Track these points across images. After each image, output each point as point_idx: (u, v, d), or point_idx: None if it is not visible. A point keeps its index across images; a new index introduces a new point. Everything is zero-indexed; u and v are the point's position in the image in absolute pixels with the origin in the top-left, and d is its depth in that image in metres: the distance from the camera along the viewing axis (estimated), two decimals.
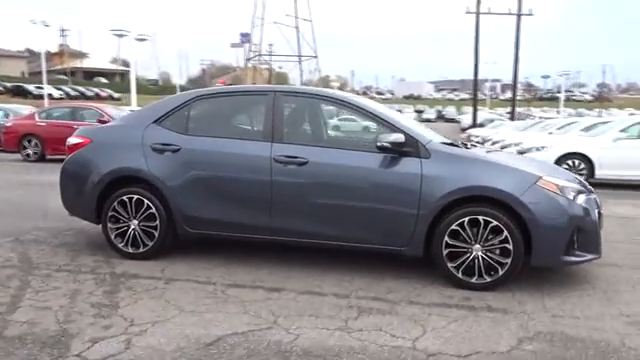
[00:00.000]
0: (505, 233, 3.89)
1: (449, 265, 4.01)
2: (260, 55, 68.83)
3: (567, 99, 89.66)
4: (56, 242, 5.23)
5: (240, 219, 4.38)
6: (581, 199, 4.05)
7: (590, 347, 3.08)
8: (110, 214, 4.62)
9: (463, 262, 3.99)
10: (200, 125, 4.68)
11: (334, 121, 4.62)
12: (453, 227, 3.97)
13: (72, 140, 4.90)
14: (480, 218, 3.93)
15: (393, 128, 4.19)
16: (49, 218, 6.21)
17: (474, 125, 35.43)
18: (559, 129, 14.74)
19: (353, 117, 4.99)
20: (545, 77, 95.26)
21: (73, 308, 3.54)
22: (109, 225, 4.64)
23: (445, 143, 4.37)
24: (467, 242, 3.97)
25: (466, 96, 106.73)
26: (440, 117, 64.32)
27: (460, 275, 4.00)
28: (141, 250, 4.58)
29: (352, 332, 3.23)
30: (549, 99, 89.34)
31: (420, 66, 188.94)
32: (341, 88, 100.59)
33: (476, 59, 36.50)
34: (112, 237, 4.64)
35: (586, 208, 4.03)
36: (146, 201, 4.51)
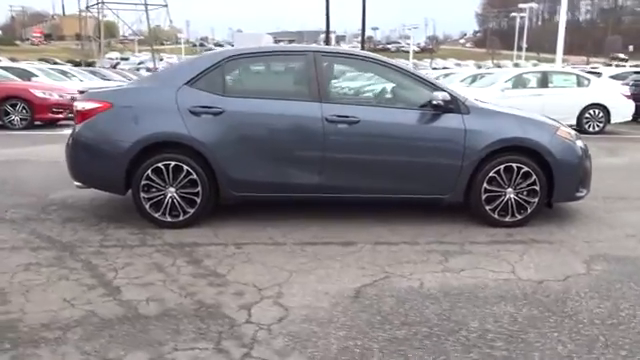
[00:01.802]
0: (534, 177, 4.53)
1: (487, 208, 4.56)
2: (103, 2, 62.41)
3: (397, 50, 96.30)
4: (58, 218, 4.76)
5: (290, 179, 4.45)
6: (580, 144, 4.83)
7: (635, 263, 3.86)
8: (143, 183, 4.36)
9: (498, 204, 4.56)
10: (239, 86, 4.56)
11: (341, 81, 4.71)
12: (491, 174, 4.51)
13: (85, 105, 4.45)
14: (514, 165, 4.51)
15: (434, 87, 4.54)
16: (17, 193, 5.53)
17: None
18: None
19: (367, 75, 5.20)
20: (375, 29, 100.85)
21: (177, 281, 3.42)
22: (142, 195, 4.38)
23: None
24: (502, 187, 4.54)
25: None
26: None
27: (496, 216, 4.58)
28: (181, 218, 4.43)
29: (460, 272, 3.62)
30: (382, 50, 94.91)
31: (257, 18, 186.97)
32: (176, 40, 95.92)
33: (327, 10, 37.48)
34: (147, 207, 4.40)
35: (586, 151, 4.82)
36: (185, 167, 4.33)
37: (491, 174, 4.51)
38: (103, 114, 4.38)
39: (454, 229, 4.55)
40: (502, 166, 4.50)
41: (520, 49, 63.51)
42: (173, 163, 4.34)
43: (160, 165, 4.34)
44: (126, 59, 62.21)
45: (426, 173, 4.51)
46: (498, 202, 4.56)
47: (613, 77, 16.01)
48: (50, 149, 8.65)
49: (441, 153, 4.48)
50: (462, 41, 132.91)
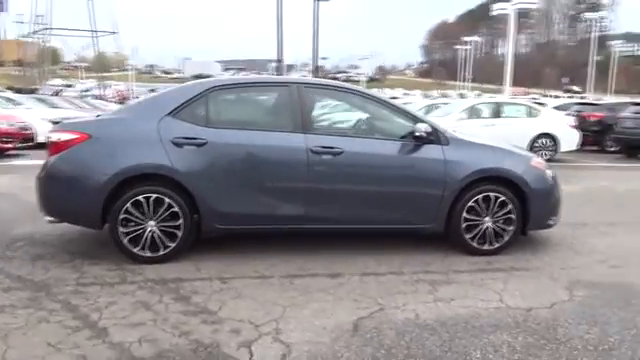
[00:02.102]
0: (510, 206, 4.67)
1: (467, 236, 4.66)
2: (51, 29, 60.59)
3: (346, 80, 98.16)
4: (26, 256, 4.51)
5: (274, 211, 4.41)
6: (550, 173, 5.02)
7: (612, 288, 4.01)
8: (122, 217, 4.21)
9: (477, 233, 4.67)
10: (222, 117, 4.51)
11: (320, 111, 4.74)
12: (470, 204, 4.61)
13: (61, 135, 4.28)
14: (491, 195, 4.64)
15: (415, 118, 4.64)
16: None
17: None
18: None
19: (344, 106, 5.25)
20: (324, 58, 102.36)
21: (168, 319, 3.30)
22: (120, 229, 4.23)
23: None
24: (480, 216, 4.65)
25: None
26: None
27: (475, 244, 4.68)
28: (161, 253, 4.29)
29: (451, 302, 3.66)
30: (331, 79, 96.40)
31: (206, 46, 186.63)
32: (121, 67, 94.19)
33: (279, 40, 37.93)
34: (125, 242, 4.24)
35: (556, 179, 5.02)
36: (167, 199, 4.23)
37: (470, 203, 4.61)
38: (80, 145, 4.23)
39: (436, 258, 4.61)
40: (480, 195, 4.62)
41: (465, 80, 66.01)
42: (154, 196, 4.22)
43: (140, 198, 4.21)
44: (70, 86, 60.49)
45: (409, 203, 4.57)
46: (477, 231, 4.66)
47: (556, 108, 16.81)
48: (1, 181, 8.26)
49: (423, 183, 4.56)
50: (408, 71, 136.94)
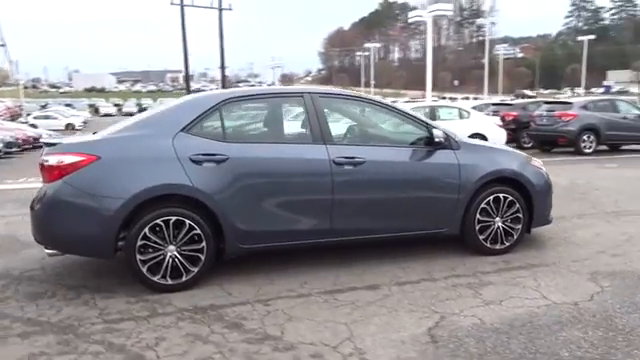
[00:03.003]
0: (517, 205, 4.84)
1: (480, 238, 4.76)
2: None
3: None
4: (20, 296, 4.00)
5: (300, 226, 4.24)
6: (545, 171, 5.27)
7: (629, 276, 4.27)
8: (139, 244, 3.85)
9: (489, 234, 4.79)
10: (239, 131, 4.28)
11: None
12: (482, 205, 4.72)
13: (62, 158, 3.83)
14: (501, 195, 4.78)
15: (427, 125, 4.67)
16: None
17: None
18: None
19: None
20: (224, 68, 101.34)
21: (235, 350, 3.06)
22: (138, 257, 3.86)
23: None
24: (491, 216, 4.78)
25: (153, 87, 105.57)
26: (142, 110, 62.28)
27: (488, 244, 4.79)
28: (184, 279, 3.98)
29: (501, 303, 3.71)
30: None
31: (96, 57, 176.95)
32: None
33: (185, 51, 36.86)
34: (144, 270, 3.89)
35: (548, 176, 5.27)
36: (188, 221, 3.93)
37: (482, 205, 4.72)
38: (88, 168, 3.81)
39: (455, 261, 4.65)
40: (491, 197, 4.74)
41: (368, 85, 67.98)
42: (174, 218, 3.90)
43: (159, 221, 3.87)
44: None
45: (428, 208, 4.59)
46: (489, 231, 4.78)
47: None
48: None
49: (440, 188, 4.59)
50: (308, 78, 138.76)
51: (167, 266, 3.92)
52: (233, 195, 4.02)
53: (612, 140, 14.98)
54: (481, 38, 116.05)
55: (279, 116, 4.52)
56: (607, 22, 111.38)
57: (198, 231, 3.95)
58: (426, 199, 4.56)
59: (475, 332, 3.24)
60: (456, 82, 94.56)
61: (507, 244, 4.84)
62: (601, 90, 69.85)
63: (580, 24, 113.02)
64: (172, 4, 36.27)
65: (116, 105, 65.07)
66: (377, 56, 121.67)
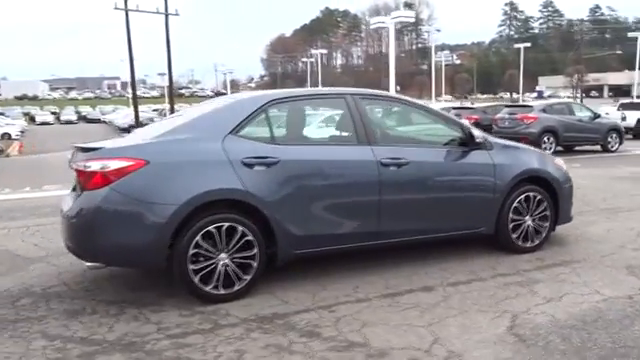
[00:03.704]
0: (545, 203, 4.94)
1: (513, 236, 4.82)
2: None
3: (191, 95, 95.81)
4: (57, 314, 3.70)
5: (351, 229, 4.15)
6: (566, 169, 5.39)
7: None
8: (191, 252, 3.65)
9: (521, 232, 4.86)
10: (286, 133, 4.13)
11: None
12: (515, 204, 4.79)
13: (108, 164, 3.57)
14: (531, 194, 4.87)
15: (462, 126, 4.70)
16: None
17: (137, 125, 34.71)
18: None
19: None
20: (162, 74, 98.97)
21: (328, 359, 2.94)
22: (190, 267, 3.66)
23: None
24: (522, 215, 4.85)
25: (90, 95, 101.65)
26: (82, 118, 59.70)
27: (520, 243, 4.86)
28: (236, 288, 3.80)
29: (562, 299, 3.75)
30: (177, 95, 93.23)
31: (25, 64, 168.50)
32: None
33: (131, 57, 35.69)
34: (196, 281, 3.68)
35: (569, 175, 5.40)
36: (240, 227, 3.76)
37: (515, 204, 4.78)
38: (137, 174, 3.57)
39: (490, 261, 4.67)
40: (523, 196, 4.82)
41: None
42: (226, 224, 3.72)
43: (211, 228, 3.68)
44: None
45: (467, 209, 4.61)
46: (520, 230, 4.85)
47: None
48: None
49: (478, 188, 4.62)
50: (252, 85, 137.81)
51: (219, 275, 3.73)
52: (285, 199, 3.88)
53: (569, 141, 15.67)
54: (420, 45, 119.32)
55: (324, 117, 4.42)
56: (536, 31, 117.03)
57: (250, 237, 3.78)
58: (465, 199, 4.58)
59: (554, 329, 3.26)
60: (398, 87, 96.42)
61: (536, 242, 4.93)
62: (534, 95, 73.14)
63: (512, 32, 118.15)
64: (116, 9, 35.09)
65: (53, 113, 62.08)
66: (321, 62, 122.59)
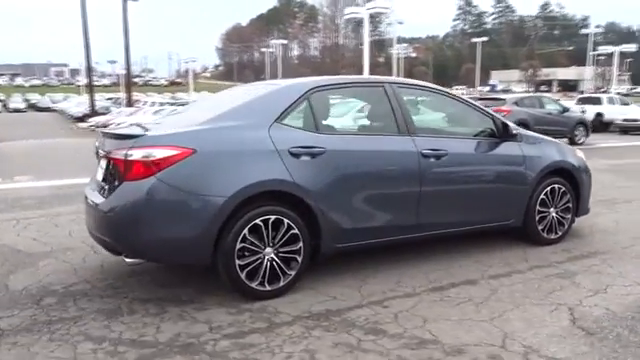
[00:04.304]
0: (568, 195, 4.98)
1: (539, 228, 4.84)
2: None
3: (145, 84, 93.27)
4: (89, 314, 3.45)
5: (391, 222, 4.05)
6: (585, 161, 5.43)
7: None
8: (238, 247, 3.47)
9: (546, 224, 4.88)
10: (329, 121, 3.97)
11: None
12: (541, 196, 4.80)
13: (153, 152, 3.33)
14: (556, 186, 4.89)
15: (493, 116, 4.66)
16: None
17: (94, 113, 33.42)
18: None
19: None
20: (112, 62, 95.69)
21: (403, 356, 2.83)
22: (237, 262, 3.48)
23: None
24: (547, 207, 4.87)
25: (38, 82, 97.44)
26: (31, 106, 56.96)
27: (545, 234, 4.88)
28: (282, 284, 3.64)
29: (607, 291, 3.77)
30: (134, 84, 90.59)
31: None
32: None
33: (87, 44, 34.34)
34: (242, 277, 3.50)
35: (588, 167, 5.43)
36: (286, 220, 3.60)
37: (542, 196, 4.79)
38: (184, 163, 3.34)
39: (518, 253, 4.66)
40: (549, 188, 4.83)
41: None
42: (273, 217, 3.55)
43: (258, 221, 3.50)
44: None
45: (499, 200, 4.59)
46: (545, 222, 4.87)
47: None
48: None
49: (510, 180, 4.61)
50: (207, 74, 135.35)
51: (265, 270, 3.56)
52: (330, 191, 3.74)
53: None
54: (377, 37, 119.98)
55: (364, 106, 4.28)
56: (489, 26, 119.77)
57: (296, 231, 3.62)
58: (498, 191, 4.56)
59: (617, 321, 3.26)
60: None
61: (560, 233, 4.97)
62: (487, 88, 74.97)
63: (466, 27, 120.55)
64: None
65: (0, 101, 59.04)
66: (277, 53, 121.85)
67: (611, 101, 24.75)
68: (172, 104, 35.61)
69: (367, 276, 4.05)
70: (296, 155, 3.63)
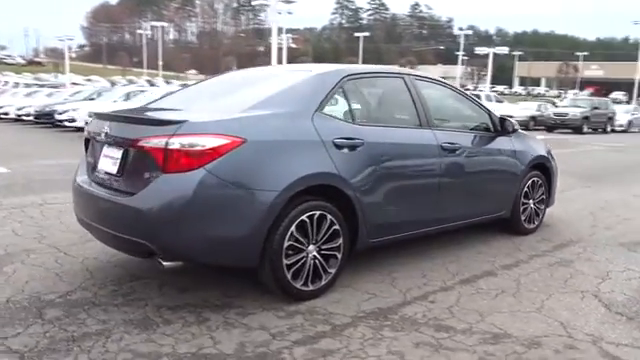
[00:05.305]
0: (543, 187, 5.30)
1: (522, 218, 5.09)
2: None
3: None
4: (116, 319, 3.02)
5: (417, 215, 4.03)
6: None
7: None
8: (286, 245, 3.22)
9: (527, 215, 5.16)
10: (363, 112, 3.81)
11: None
12: (525, 189, 5.06)
13: (200, 141, 2.95)
14: (535, 179, 5.18)
15: (489, 111, 4.80)
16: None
17: None
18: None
19: None
20: None
21: (495, 355, 2.82)
22: (284, 262, 3.23)
23: None
24: (528, 198, 5.15)
25: None
26: None
27: (526, 225, 5.15)
28: (323, 283, 3.46)
29: (609, 278, 4.04)
30: None
31: None
32: None
33: None
34: (289, 277, 3.27)
35: None
36: (329, 216, 3.41)
37: (525, 189, 5.05)
38: (234, 154, 3.00)
39: (507, 243, 4.85)
40: (530, 181, 5.10)
41: (153, 67, 64.18)
42: (318, 213, 3.34)
43: (304, 217, 3.28)
44: None
45: (498, 193, 4.75)
46: (527, 213, 5.14)
47: None
48: None
49: (506, 173, 4.79)
50: (72, 55, 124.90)
51: (308, 269, 3.34)
52: (367, 184, 3.60)
53: None
54: (257, 26, 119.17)
55: (389, 97, 4.17)
56: (365, 22, 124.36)
57: (337, 227, 3.45)
58: (497, 184, 4.72)
59: None
60: (234, 67, 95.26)
61: (536, 223, 5.27)
62: None
63: (343, 21, 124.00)
64: None
65: None
66: (151, 36, 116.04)
67: (488, 98, 26.90)
68: (41, 85, 32.47)
69: (391, 271, 3.98)
70: (339, 147, 3.44)
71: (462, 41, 47.45)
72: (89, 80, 57.25)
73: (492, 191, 4.68)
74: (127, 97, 17.63)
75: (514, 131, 4.77)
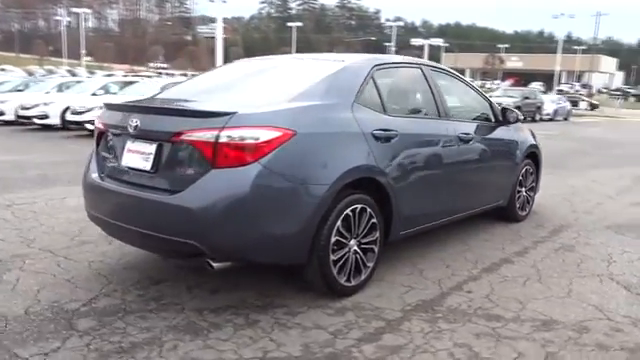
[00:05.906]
0: (533, 175, 5.49)
1: (517, 206, 5.26)
2: None
3: None
4: (162, 326, 2.83)
5: (440, 206, 4.05)
6: None
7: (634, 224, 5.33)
8: (333, 240, 3.14)
9: (520, 202, 5.32)
10: (392, 103, 3.73)
11: None
12: (520, 178, 5.22)
13: (257, 134, 2.80)
14: (528, 167, 5.35)
15: (492, 103, 4.89)
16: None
17: None
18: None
19: None
20: None
21: (554, 343, 2.89)
22: (331, 257, 3.15)
23: None
24: (521, 186, 5.31)
25: None
26: None
27: (519, 212, 5.32)
28: (362, 277, 3.41)
29: (616, 261, 4.25)
30: None
31: None
32: None
33: None
34: (334, 273, 3.19)
35: None
36: (369, 209, 3.36)
37: (520, 177, 5.21)
38: (286, 147, 2.87)
39: (505, 231, 4.98)
40: (524, 169, 5.26)
41: (75, 56, 60.76)
42: (359, 206, 3.28)
43: (349, 211, 3.21)
44: None
45: (501, 182, 4.86)
46: (521, 200, 5.30)
47: None
48: None
49: (508, 162, 4.91)
50: None
51: (350, 264, 3.28)
52: (401, 176, 3.58)
53: None
54: (183, 14, 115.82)
55: (411, 88, 4.13)
56: (294, 12, 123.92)
57: (375, 220, 3.40)
58: (501, 173, 4.83)
59: None
60: (161, 57, 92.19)
61: (527, 211, 5.45)
62: None
63: (272, 11, 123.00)
64: None
65: None
66: (69, 24, 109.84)
67: None
68: None
69: (414, 263, 3.98)
70: (377, 138, 3.38)
71: (394, 32, 48.46)
72: (2, 70, 53.38)
73: (496, 180, 4.79)
74: (60, 88, 16.68)
75: (516, 121, 4.89)
